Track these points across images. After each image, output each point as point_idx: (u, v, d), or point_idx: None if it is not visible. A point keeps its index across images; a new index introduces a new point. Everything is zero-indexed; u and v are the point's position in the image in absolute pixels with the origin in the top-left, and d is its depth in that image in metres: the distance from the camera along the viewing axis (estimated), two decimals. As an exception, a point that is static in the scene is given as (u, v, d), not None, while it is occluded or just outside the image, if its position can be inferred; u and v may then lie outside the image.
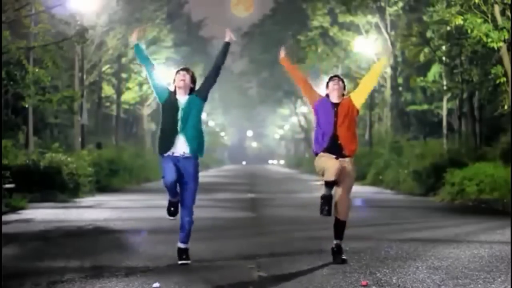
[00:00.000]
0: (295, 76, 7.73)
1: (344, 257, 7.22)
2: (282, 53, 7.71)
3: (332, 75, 7.76)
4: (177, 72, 7.23)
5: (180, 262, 7.07)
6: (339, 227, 7.28)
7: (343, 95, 7.39)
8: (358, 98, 7.42)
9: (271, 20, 61.45)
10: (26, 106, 21.08)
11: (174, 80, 7.18)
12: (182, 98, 7.11)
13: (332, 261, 7.20)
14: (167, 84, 7.38)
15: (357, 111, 7.36)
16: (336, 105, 7.29)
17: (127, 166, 26.51)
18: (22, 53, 16.98)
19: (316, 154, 7.37)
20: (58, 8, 18.98)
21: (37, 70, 17.59)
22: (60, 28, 22.30)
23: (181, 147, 7.04)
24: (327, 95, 7.40)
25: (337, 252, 7.24)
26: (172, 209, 7.22)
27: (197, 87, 7.26)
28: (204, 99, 7.24)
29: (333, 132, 7.21)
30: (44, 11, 18.65)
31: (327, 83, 7.44)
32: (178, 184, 7.07)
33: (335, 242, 7.27)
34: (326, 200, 7.21)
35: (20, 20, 17.93)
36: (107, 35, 30.09)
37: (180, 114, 7.04)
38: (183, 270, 6.79)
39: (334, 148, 7.22)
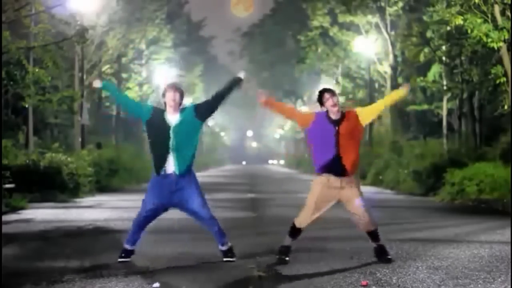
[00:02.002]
0: (284, 113, 7.51)
1: (389, 256, 7.17)
2: (262, 98, 7.27)
3: (319, 91, 7.29)
4: (167, 89, 7.08)
5: (225, 259, 7.17)
6: (372, 234, 7.21)
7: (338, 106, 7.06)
8: (366, 116, 7.14)
9: (271, 20, 61.51)
10: (26, 106, 21.09)
11: (164, 95, 7.08)
12: (173, 118, 6.99)
13: (332, 261, 7.19)
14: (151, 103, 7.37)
15: (362, 128, 7.14)
16: (336, 122, 7.01)
17: (127, 166, 26.51)
18: (22, 53, 17.00)
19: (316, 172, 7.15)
20: (58, 8, 19.01)
21: (37, 70, 17.60)
22: (60, 28, 22.31)
23: (172, 166, 6.96)
24: (327, 111, 7.07)
25: (380, 252, 7.20)
26: (123, 254, 7.21)
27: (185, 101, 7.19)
28: (203, 120, 7.15)
29: (335, 153, 6.95)
30: (44, 11, 18.66)
31: (321, 96, 7.09)
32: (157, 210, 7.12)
33: (375, 244, 7.23)
34: (285, 251, 7.15)
35: (20, 20, 17.94)
36: (107, 35, 30.10)
37: (171, 133, 6.93)
38: (183, 270, 6.79)
39: (336, 168, 6.99)
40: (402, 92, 7.37)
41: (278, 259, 7.12)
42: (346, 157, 6.97)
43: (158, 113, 7.06)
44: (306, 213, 7.20)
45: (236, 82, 7.27)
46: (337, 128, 6.98)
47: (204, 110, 7.16)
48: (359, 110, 7.19)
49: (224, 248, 7.23)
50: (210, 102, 7.21)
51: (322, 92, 7.15)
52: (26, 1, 17.45)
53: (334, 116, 7.05)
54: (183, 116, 7.03)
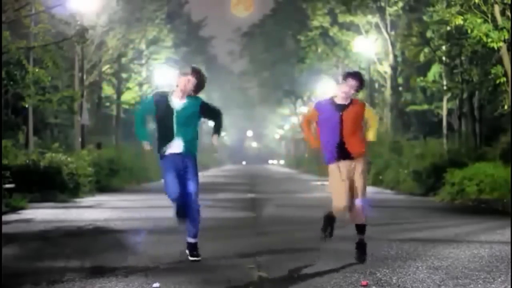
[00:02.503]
0: (310, 130, 7.43)
1: (364, 257, 7.16)
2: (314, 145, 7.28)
3: (352, 71, 7.21)
4: (183, 73, 7.06)
5: (191, 258, 7.13)
6: (360, 227, 7.22)
7: (357, 91, 7.01)
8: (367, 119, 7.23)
9: (271, 20, 61.49)
10: (26, 106, 21.09)
11: (180, 75, 7.09)
12: (177, 103, 7.06)
13: (332, 261, 7.19)
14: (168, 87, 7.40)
15: (363, 116, 7.16)
16: (341, 107, 7.00)
17: (127, 166, 26.51)
18: (22, 53, 17.00)
19: (326, 163, 7.14)
20: (58, 8, 19.00)
21: (37, 70, 17.60)
22: (60, 28, 22.30)
23: (176, 148, 7.07)
24: (332, 97, 7.10)
25: (359, 247, 7.17)
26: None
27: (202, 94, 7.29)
28: (201, 116, 7.22)
29: (341, 140, 6.97)
30: (44, 11, 18.66)
31: (343, 77, 7.04)
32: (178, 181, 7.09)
33: (358, 238, 7.21)
34: (329, 220, 7.17)
35: (20, 20, 17.94)
36: (107, 35, 30.10)
37: (174, 118, 7.02)
38: (183, 270, 6.79)
39: (343, 155, 7.01)
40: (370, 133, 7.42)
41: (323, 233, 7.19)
42: (350, 142, 6.99)
43: (161, 97, 7.13)
44: (338, 196, 7.05)
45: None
46: (341, 113, 6.98)
47: (204, 114, 7.26)
48: (367, 110, 7.19)
49: (192, 240, 7.21)
50: (213, 117, 7.36)
51: (348, 75, 7.02)
52: (26, 1, 17.45)
53: (339, 101, 7.04)
54: (190, 103, 7.09)
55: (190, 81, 7.05)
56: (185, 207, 7.10)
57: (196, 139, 7.20)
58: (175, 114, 7.03)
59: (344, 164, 7.05)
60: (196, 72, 7.11)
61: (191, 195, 7.09)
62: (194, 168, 7.15)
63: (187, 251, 7.25)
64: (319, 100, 7.35)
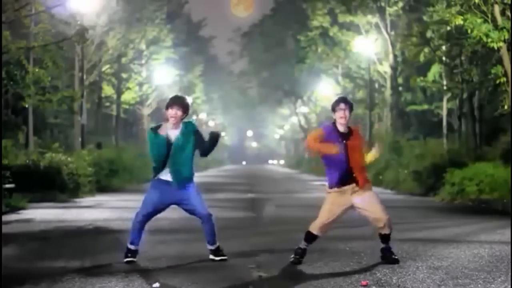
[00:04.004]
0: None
1: (395, 257, 7.19)
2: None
3: (339, 97, 7.38)
4: (170, 106, 7.17)
5: (218, 258, 7.28)
6: (385, 237, 7.23)
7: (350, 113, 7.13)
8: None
9: (271, 20, 61.45)
10: (26, 106, 21.10)
11: (167, 108, 7.18)
12: (173, 133, 7.16)
13: (332, 261, 7.19)
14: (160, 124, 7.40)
15: (362, 142, 7.27)
16: (344, 135, 7.05)
17: (127, 166, 26.50)
18: (22, 53, 17.00)
19: (328, 187, 7.17)
20: (58, 8, 19.01)
21: (37, 70, 17.60)
22: (60, 28, 22.32)
23: (169, 176, 7.15)
24: (334, 123, 7.13)
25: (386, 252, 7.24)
26: (129, 254, 7.23)
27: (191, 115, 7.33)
28: (194, 143, 7.25)
29: (346, 167, 6.98)
30: (44, 11, 18.66)
31: (334, 106, 7.12)
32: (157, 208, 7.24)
33: (383, 245, 7.26)
34: (301, 253, 7.16)
35: (20, 20, 17.94)
36: (107, 35, 30.10)
37: (172, 149, 7.10)
38: (183, 270, 6.80)
39: (349, 179, 7.02)
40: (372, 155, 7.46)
41: (293, 259, 7.13)
42: (356, 169, 7.02)
43: (158, 131, 7.22)
44: (320, 220, 7.14)
45: (214, 139, 7.39)
46: (345, 142, 7.02)
47: (197, 145, 7.28)
48: (360, 138, 7.27)
49: (212, 247, 7.34)
50: (202, 148, 7.33)
51: (339, 101, 7.17)
52: (26, 1, 17.45)
53: (342, 129, 7.09)
54: (183, 131, 7.19)
55: (177, 112, 7.17)
56: (137, 244, 7.22)
57: (191, 169, 7.22)
58: (172, 146, 7.11)
59: (344, 193, 7.04)
60: (180, 102, 7.22)
61: (205, 212, 7.24)
62: (193, 189, 7.22)
63: (212, 257, 7.31)
64: (324, 124, 7.35)
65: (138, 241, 7.26)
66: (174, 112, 7.15)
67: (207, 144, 7.32)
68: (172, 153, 7.10)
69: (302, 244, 7.20)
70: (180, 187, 7.14)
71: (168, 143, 7.11)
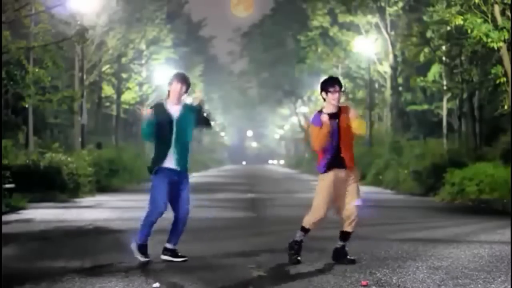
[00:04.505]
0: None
1: (352, 257, 7.16)
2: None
3: (331, 78, 7.32)
4: (174, 80, 7.20)
5: (179, 260, 7.21)
6: (346, 234, 7.20)
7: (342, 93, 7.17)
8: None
9: (271, 20, 61.47)
10: (26, 106, 21.10)
11: (170, 84, 7.21)
12: (174, 109, 7.15)
13: (332, 261, 7.19)
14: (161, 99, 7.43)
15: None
16: (335, 115, 7.02)
17: (127, 166, 26.50)
18: (22, 53, 17.00)
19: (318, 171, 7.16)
20: (58, 8, 19.01)
21: (37, 70, 17.61)
22: (60, 28, 22.32)
23: (172, 161, 7.11)
24: (320, 110, 7.10)
25: (341, 252, 7.19)
26: (142, 252, 7.19)
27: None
28: (195, 122, 7.29)
29: (336, 146, 6.99)
30: (44, 11, 18.67)
31: (327, 87, 7.04)
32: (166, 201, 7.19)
33: (338, 244, 7.22)
34: (297, 247, 7.14)
35: (20, 20, 17.95)
36: (107, 35, 30.09)
37: (174, 126, 7.10)
38: (183, 270, 6.80)
39: (338, 161, 7.02)
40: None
41: (290, 258, 7.12)
42: (344, 150, 7.04)
43: (160, 107, 7.20)
44: (316, 212, 7.10)
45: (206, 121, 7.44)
46: (337, 121, 7.01)
47: (198, 121, 7.33)
48: (351, 115, 7.15)
49: (170, 246, 7.28)
50: (200, 122, 7.38)
51: (332, 83, 7.09)
52: (26, 1, 17.45)
53: (331, 110, 7.06)
54: (185, 111, 7.19)
55: (182, 88, 7.20)
56: (150, 230, 7.23)
57: (189, 151, 7.25)
58: (174, 123, 7.11)
59: (339, 173, 7.05)
60: (184, 78, 7.26)
61: (187, 210, 7.23)
62: (187, 185, 7.24)
63: (167, 258, 7.25)
64: (313, 119, 7.24)
65: (147, 239, 7.23)
66: (179, 87, 7.17)
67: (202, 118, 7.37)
68: (175, 130, 7.07)
69: (300, 236, 7.17)
70: (183, 168, 7.11)
71: (169, 119, 7.08)
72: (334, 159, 7.02)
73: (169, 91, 7.23)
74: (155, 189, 7.13)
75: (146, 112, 7.22)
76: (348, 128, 7.05)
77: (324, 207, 7.06)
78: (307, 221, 7.17)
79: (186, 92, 7.26)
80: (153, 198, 7.15)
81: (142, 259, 7.12)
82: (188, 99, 7.49)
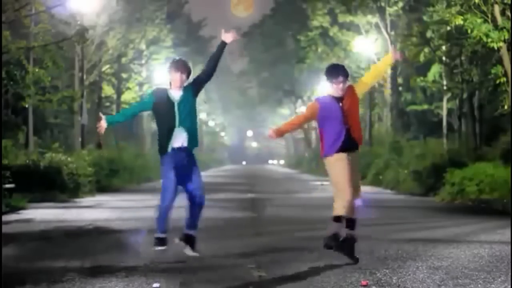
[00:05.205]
0: (295, 127, 7.70)
1: (357, 256, 7.11)
2: (272, 135, 7.28)
3: (336, 67, 7.34)
4: (174, 69, 7.17)
5: (191, 253, 7.12)
6: (351, 222, 7.11)
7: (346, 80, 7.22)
8: (359, 89, 7.32)
9: (271, 20, 61.44)
10: (26, 106, 21.10)
11: (170, 72, 7.20)
12: (176, 94, 7.15)
13: (332, 261, 7.19)
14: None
15: (358, 98, 7.27)
16: (340, 99, 7.12)
17: (127, 166, 26.50)
18: (22, 53, 17.02)
19: (326, 156, 7.13)
20: (58, 8, 19.03)
21: (37, 70, 17.62)
22: (60, 28, 22.32)
23: (179, 140, 7.07)
24: (328, 95, 7.20)
25: (348, 244, 7.08)
26: (159, 243, 7.09)
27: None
28: (195, 95, 7.27)
29: (346, 128, 7.07)
30: (44, 11, 18.68)
31: (329, 79, 7.12)
32: (177, 186, 7.09)
33: (345, 233, 7.10)
34: (334, 238, 7.00)
35: (20, 20, 17.96)
36: (107, 35, 30.10)
37: (176, 109, 7.08)
38: (183, 270, 6.80)
39: (349, 142, 7.08)
40: (389, 59, 7.79)
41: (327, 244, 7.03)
42: (353, 128, 7.13)
43: (161, 92, 7.21)
44: (345, 185, 6.98)
45: (222, 46, 7.37)
46: (340, 104, 7.10)
47: (200, 82, 7.31)
48: (354, 85, 7.34)
49: (192, 232, 7.16)
50: (204, 70, 7.35)
51: (337, 74, 7.13)
52: (26, 1, 17.46)
53: (338, 94, 7.16)
54: (185, 93, 7.19)
55: (182, 76, 7.18)
56: (167, 218, 7.07)
57: (197, 131, 7.25)
58: (176, 106, 7.09)
59: (346, 155, 7.07)
60: (183, 66, 7.21)
61: (198, 189, 7.12)
62: (196, 164, 7.20)
63: (184, 244, 7.12)
64: (318, 98, 7.40)
65: (166, 228, 7.10)
66: (178, 76, 7.15)
67: (211, 56, 7.36)
68: (178, 113, 7.06)
69: (335, 228, 6.98)
70: (192, 145, 7.06)
71: (171, 102, 7.07)
72: (345, 141, 7.06)
73: (170, 80, 7.21)
74: (163, 177, 7.10)
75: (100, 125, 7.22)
76: (352, 106, 7.14)
77: (349, 187, 6.96)
78: (339, 208, 6.98)
79: (187, 78, 7.23)
80: (163, 186, 7.10)
81: (157, 248, 7.05)
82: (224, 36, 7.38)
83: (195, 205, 7.15)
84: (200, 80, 7.33)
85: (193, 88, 7.24)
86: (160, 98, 7.15)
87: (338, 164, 7.05)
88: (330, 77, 7.15)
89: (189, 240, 7.16)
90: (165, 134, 7.10)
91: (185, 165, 7.08)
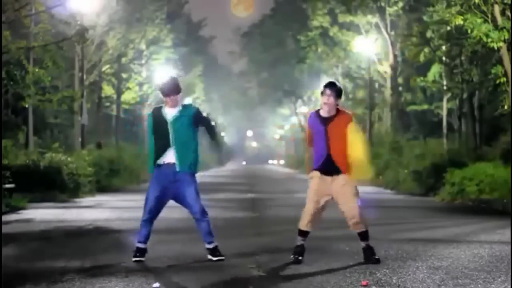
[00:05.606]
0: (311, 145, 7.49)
1: (377, 256, 7.16)
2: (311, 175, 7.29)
3: (327, 82, 7.32)
4: (161, 94, 7.30)
5: (215, 258, 7.22)
6: (362, 234, 7.20)
7: (337, 104, 7.11)
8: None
9: (271, 20, 61.44)
10: (26, 106, 21.10)
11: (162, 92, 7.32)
12: (170, 112, 7.24)
13: (332, 261, 7.19)
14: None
15: (349, 129, 7.09)
16: (326, 120, 7.06)
17: (127, 166, 26.49)
18: (22, 53, 17.01)
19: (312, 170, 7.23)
20: (58, 8, 19.03)
21: (37, 70, 17.61)
22: (60, 28, 22.32)
23: (169, 157, 7.19)
24: (318, 110, 7.19)
25: (367, 252, 7.17)
26: (137, 254, 7.24)
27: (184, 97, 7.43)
28: (194, 124, 7.30)
29: (326, 152, 7.04)
30: (44, 11, 18.68)
31: (322, 90, 7.11)
32: (162, 201, 7.25)
33: (363, 244, 7.20)
34: (300, 251, 7.15)
35: (20, 20, 17.96)
36: (107, 35, 30.09)
37: (169, 128, 7.18)
38: (183, 270, 6.80)
39: (328, 166, 7.07)
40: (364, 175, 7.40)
41: (293, 259, 7.13)
42: (336, 155, 7.04)
43: (157, 111, 7.35)
44: (306, 211, 7.25)
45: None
46: (325, 127, 7.05)
47: (201, 123, 7.40)
48: (350, 127, 7.09)
49: (210, 246, 7.30)
50: (205, 129, 7.48)
51: (325, 86, 7.16)
52: (26, 1, 17.45)
53: (324, 114, 7.10)
54: (181, 113, 7.25)
55: (172, 97, 7.26)
56: (145, 242, 7.24)
57: (194, 153, 7.24)
58: (169, 124, 7.17)
59: (325, 181, 7.09)
60: (170, 90, 7.26)
61: (198, 208, 7.21)
62: (192, 185, 7.20)
63: (209, 256, 7.28)
64: (310, 113, 7.39)
65: (145, 240, 7.26)
66: (168, 99, 7.26)
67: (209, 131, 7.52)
68: (171, 131, 7.14)
69: (299, 240, 7.21)
70: (183, 167, 7.11)
71: (164, 120, 7.17)
72: (325, 165, 7.06)
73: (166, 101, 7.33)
74: (148, 188, 7.30)
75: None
76: (338, 135, 7.02)
77: (312, 207, 7.20)
78: (301, 223, 7.29)
79: (177, 94, 7.29)
80: (145, 198, 7.32)
81: (133, 258, 7.17)
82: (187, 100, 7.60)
83: (199, 221, 7.29)
84: (202, 124, 7.42)
85: (194, 117, 7.28)
86: (157, 117, 7.30)
87: (311, 181, 7.23)
88: (324, 87, 7.14)
89: (213, 252, 7.28)
90: (159, 150, 7.20)
91: (176, 185, 7.16)
